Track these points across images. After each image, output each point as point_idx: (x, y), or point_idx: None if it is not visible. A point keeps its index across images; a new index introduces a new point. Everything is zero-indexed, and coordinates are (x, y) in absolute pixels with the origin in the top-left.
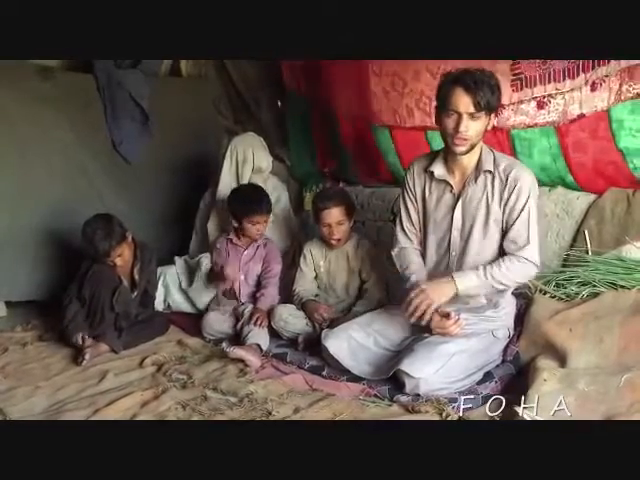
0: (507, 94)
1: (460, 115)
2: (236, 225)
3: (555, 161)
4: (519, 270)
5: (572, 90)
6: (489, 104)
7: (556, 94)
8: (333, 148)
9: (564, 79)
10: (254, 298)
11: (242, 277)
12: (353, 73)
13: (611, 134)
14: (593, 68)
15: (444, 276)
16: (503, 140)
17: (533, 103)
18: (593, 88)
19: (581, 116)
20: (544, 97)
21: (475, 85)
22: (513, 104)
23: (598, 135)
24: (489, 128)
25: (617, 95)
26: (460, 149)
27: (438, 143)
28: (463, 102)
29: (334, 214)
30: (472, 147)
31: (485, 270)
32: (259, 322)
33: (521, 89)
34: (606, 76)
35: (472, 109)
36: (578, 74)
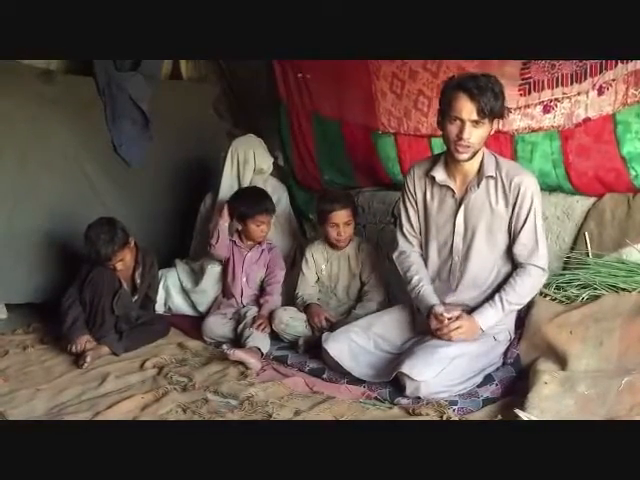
0: (514, 98)
1: (463, 122)
2: (240, 228)
3: (555, 167)
4: (530, 285)
5: (579, 94)
6: (493, 110)
7: (563, 98)
8: (324, 153)
9: (572, 83)
10: (256, 302)
11: (244, 279)
12: (356, 77)
13: (615, 138)
14: (600, 72)
15: (447, 282)
16: (505, 143)
17: (539, 107)
18: (600, 92)
19: (587, 120)
20: (551, 101)
21: (479, 91)
22: (520, 108)
23: (602, 139)
24: (492, 133)
25: (623, 99)
26: (462, 156)
27: (441, 150)
28: (466, 109)
29: (342, 215)
30: (474, 154)
31: (502, 300)
32: (261, 328)
33: (529, 93)
34: (613, 80)
35: (475, 116)
36: (585, 78)
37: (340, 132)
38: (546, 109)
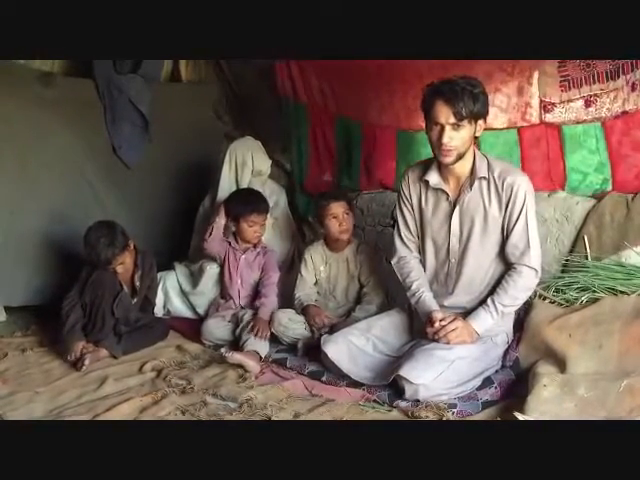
0: (557, 93)
1: (442, 127)
2: (234, 228)
3: (601, 155)
4: (523, 287)
5: (615, 90)
6: (472, 112)
7: (601, 93)
8: (340, 155)
9: (607, 80)
10: (252, 305)
11: (239, 281)
12: (395, 80)
13: None
14: (632, 70)
15: (444, 285)
16: (553, 135)
17: (581, 102)
18: (633, 88)
19: (624, 113)
20: (590, 96)
21: (454, 95)
22: (563, 102)
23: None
24: (478, 135)
25: None
26: (447, 160)
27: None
28: (443, 113)
29: (340, 205)
30: (460, 156)
31: (494, 304)
32: (260, 333)
33: (569, 89)
34: None
35: (453, 120)
36: (619, 76)
37: (360, 132)
38: (587, 103)
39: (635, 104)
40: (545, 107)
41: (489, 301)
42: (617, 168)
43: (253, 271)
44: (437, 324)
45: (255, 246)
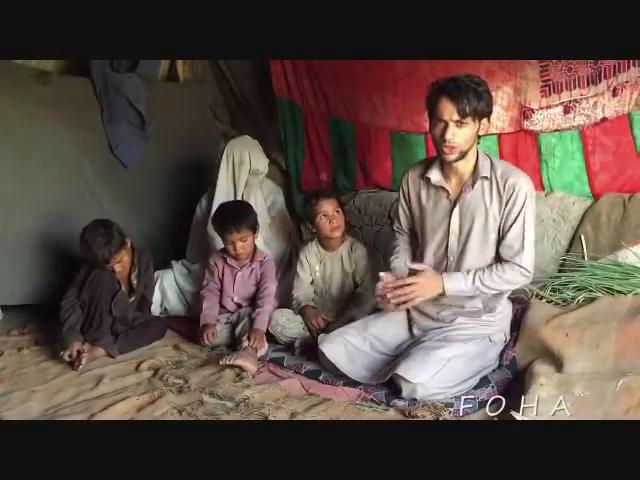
0: (537, 99)
1: (446, 123)
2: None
3: (578, 170)
4: (509, 277)
5: (596, 95)
6: (475, 110)
7: (581, 99)
8: (336, 155)
9: (588, 85)
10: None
11: (235, 298)
12: (388, 82)
13: (632, 137)
14: (614, 74)
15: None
16: (530, 142)
17: (560, 107)
18: (615, 93)
19: (604, 120)
20: (570, 102)
21: (459, 92)
22: (542, 109)
23: (620, 138)
24: (481, 133)
25: (637, 100)
26: (449, 157)
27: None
28: (447, 110)
29: (329, 202)
30: (463, 154)
31: (475, 275)
32: (256, 344)
33: (549, 95)
34: (626, 82)
35: (457, 117)
36: (600, 80)
37: (353, 133)
38: (566, 109)
39: (615, 111)
40: (524, 113)
41: (472, 271)
42: (594, 177)
43: (250, 285)
44: (380, 285)
45: (252, 261)
